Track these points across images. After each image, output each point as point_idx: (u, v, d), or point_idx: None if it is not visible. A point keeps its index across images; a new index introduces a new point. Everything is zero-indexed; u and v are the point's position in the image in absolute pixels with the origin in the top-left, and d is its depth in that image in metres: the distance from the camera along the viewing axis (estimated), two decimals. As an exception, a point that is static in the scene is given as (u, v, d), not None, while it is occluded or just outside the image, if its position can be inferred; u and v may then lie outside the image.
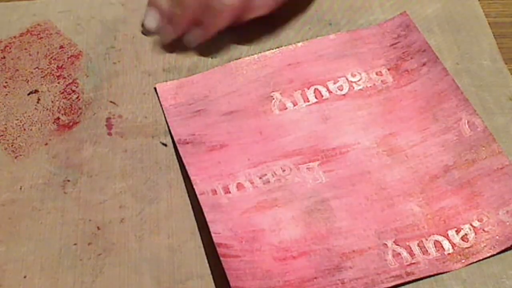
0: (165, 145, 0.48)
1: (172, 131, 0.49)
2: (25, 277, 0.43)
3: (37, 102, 0.50)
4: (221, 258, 0.42)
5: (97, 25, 0.54)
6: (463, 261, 0.43)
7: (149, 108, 0.50)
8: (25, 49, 0.53)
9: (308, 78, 0.51)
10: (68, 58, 0.53)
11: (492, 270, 0.43)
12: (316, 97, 0.50)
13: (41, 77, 0.51)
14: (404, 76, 0.51)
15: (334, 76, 0.51)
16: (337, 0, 0.56)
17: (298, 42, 0.53)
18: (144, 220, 0.45)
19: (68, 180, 0.46)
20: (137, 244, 0.44)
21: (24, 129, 0.49)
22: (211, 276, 0.43)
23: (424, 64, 0.52)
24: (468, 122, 0.49)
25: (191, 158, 0.47)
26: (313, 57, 0.52)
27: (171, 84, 0.51)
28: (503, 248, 0.43)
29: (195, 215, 0.45)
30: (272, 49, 0.53)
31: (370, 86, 0.51)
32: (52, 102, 0.50)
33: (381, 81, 0.51)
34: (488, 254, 0.43)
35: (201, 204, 0.45)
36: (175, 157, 0.48)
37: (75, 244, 0.44)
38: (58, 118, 0.49)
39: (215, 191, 0.46)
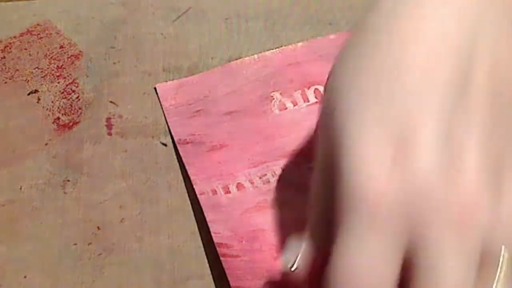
0: (165, 145, 0.48)
1: (172, 131, 0.49)
2: (25, 277, 0.43)
3: (37, 102, 0.50)
4: (221, 258, 0.42)
5: (97, 25, 0.54)
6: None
7: (149, 108, 0.50)
8: (25, 49, 0.53)
9: (308, 78, 0.51)
10: (68, 58, 0.53)
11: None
12: (316, 97, 0.50)
13: (41, 77, 0.51)
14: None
15: (334, 76, 0.51)
16: (337, 0, 0.56)
17: (298, 42, 0.53)
18: (144, 220, 0.45)
19: (68, 180, 0.46)
20: (137, 244, 0.44)
21: (24, 129, 0.49)
22: (211, 276, 0.43)
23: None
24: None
25: (191, 158, 0.47)
26: (313, 57, 0.52)
27: (171, 84, 0.51)
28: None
29: (195, 215, 0.45)
30: (272, 49, 0.53)
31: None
32: (52, 102, 0.50)
33: None
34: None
35: (201, 204, 0.45)
36: (175, 157, 0.48)
37: (75, 244, 0.44)
38: (58, 118, 0.49)
39: (215, 191, 0.46)
